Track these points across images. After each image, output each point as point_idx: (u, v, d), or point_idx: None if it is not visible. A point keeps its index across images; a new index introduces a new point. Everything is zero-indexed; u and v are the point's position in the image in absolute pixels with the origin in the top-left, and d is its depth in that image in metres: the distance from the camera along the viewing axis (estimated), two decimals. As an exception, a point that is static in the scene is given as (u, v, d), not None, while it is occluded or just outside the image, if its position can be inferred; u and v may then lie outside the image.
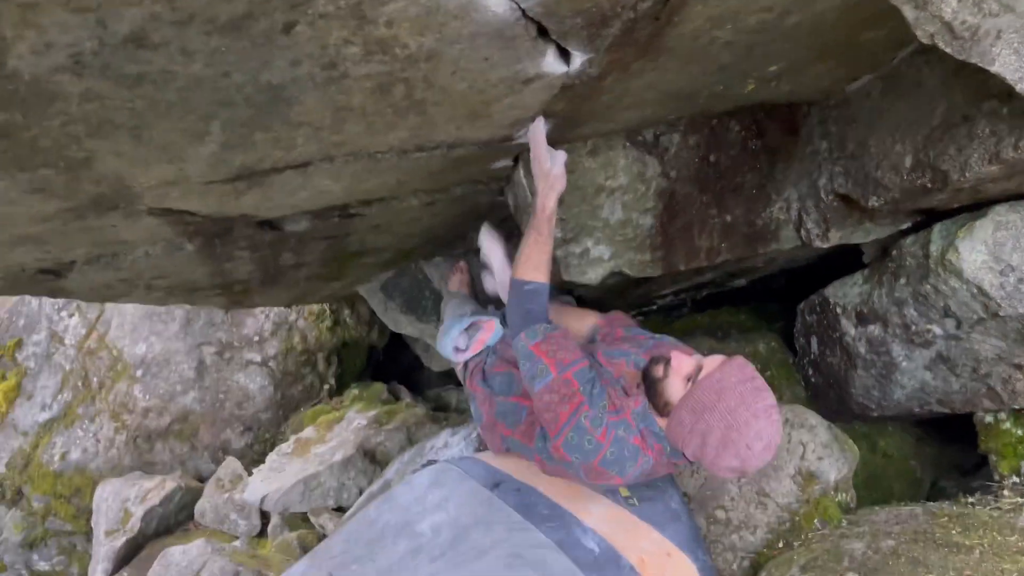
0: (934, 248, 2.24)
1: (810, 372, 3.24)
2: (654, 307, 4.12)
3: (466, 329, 2.48)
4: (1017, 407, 2.43)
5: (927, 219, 2.39)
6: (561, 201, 2.21)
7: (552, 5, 1.26)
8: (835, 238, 2.40)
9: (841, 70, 2.02)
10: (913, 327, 2.49)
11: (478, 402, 2.39)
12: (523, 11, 1.26)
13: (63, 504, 4.54)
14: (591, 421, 1.71)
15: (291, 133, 1.59)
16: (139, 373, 4.55)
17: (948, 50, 1.40)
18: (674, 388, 1.71)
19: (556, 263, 2.31)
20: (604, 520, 2.19)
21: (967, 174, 1.76)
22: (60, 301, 4.75)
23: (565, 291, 2.72)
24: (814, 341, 3.12)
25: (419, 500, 2.31)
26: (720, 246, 2.35)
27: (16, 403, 4.60)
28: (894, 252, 2.47)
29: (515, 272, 1.91)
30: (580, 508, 2.20)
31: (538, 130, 1.85)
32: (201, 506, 4.35)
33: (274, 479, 4.29)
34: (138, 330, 4.55)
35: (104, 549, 4.13)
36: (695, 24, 1.45)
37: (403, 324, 4.48)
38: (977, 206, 2.16)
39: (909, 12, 1.37)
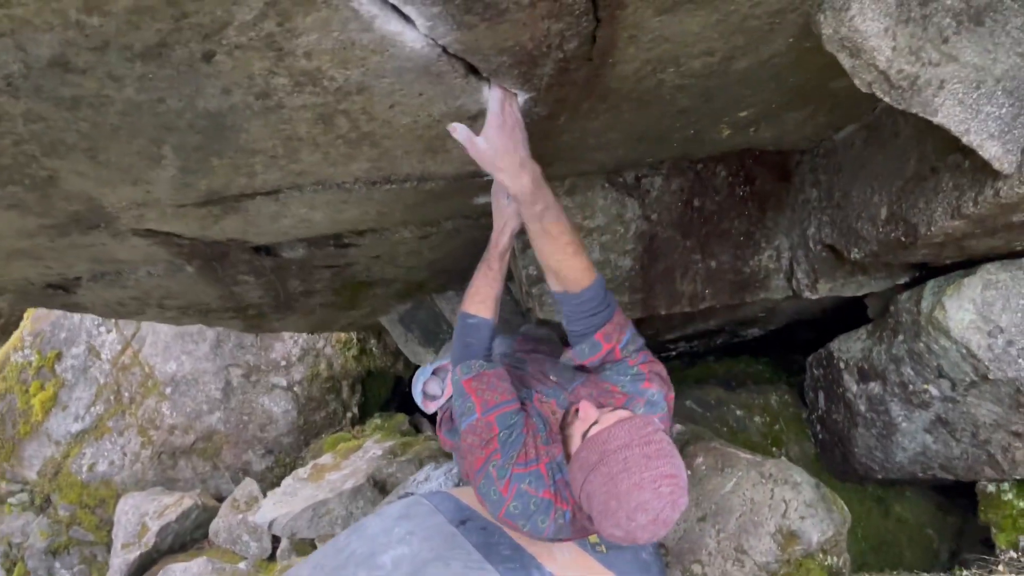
0: (925, 305, 2.16)
1: (818, 428, 3.13)
2: (672, 353, 4.05)
3: (434, 373, 2.48)
4: (1019, 477, 2.30)
5: (924, 275, 2.31)
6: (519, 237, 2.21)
7: (471, 43, 1.27)
8: (824, 289, 2.33)
9: (823, 118, 1.98)
10: (911, 386, 2.39)
11: (456, 454, 2.36)
12: (443, 48, 1.28)
13: (87, 514, 4.67)
14: (497, 471, 1.65)
15: (247, 160, 1.63)
16: (168, 391, 4.68)
17: (887, 100, 1.36)
18: (574, 440, 1.63)
19: (531, 300, 2.30)
20: (567, 566, 2.15)
21: (932, 228, 1.69)
22: (99, 317, 4.94)
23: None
24: (821, 396, 3.02)
25: (386, 531, 2.31)
26: (704, 292, 2.31)
27: (51, 413, 4.79)
28: (891, 307, 2.38)
29: (462, 304, 1.89)
30: (543, 551, 2.16)
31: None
32: (216, 526, 4.41)
33: (286, 503, 4.33)
34: (170, 349, 4.70)
35: (118, 561, 4.23)
36: (634, 66, 1.45)
37: (422, 356, 4.51)
38: (972, 263, 2.08)
39: (845, 60, 1.34)
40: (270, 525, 4.15)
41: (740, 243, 2.31)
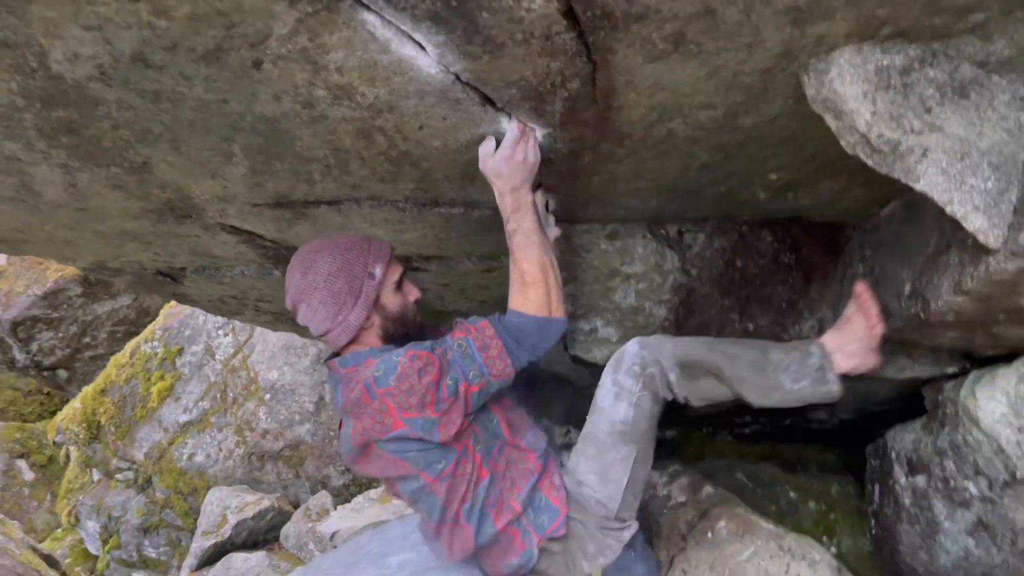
0: (963, 394, 2.09)
1: (872, 523, 2.99)
2: (746, 432, 3.98)
3: None
4: (1060, 596, 2.14)
5: (974, 366, 2.23)
6: (573, 278, 2.34)
7: (480, 73, 1.45)
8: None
9: (859, 191, 2.01)
10: (952, 482, 2.29)
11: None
12: (456, 76, 1.46)
13: (180, 500, 5.06)
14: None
15: (305, 167, 1.87)
16: (267, 397, 5.04)
17: (870, 163, 1.42)
18: None
19: (565, 336, 2.41)
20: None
21: (939, 303, 1.69)
22: (220, 320, 5.41)
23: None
24: (876, 488, 2.90)
25: (403, 536, 2.44)
26: (739, 353, 2.33)
27: (166, 402, 5.26)
28: (939, 397, 2.31)
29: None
30: (543, 579, 2.21)
31: (537, 199, 2.02)
32: (287, 530, 4.67)
33: (351, 518, 4.53)
34: (275, 358, 5.07)
35: (196, 546, 4.55)
36: (639, 112, 1.57)
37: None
38: (1016, 355, 2.01)
39: (831, 121, 1.41)
40: (332, 536, 4.36)
41: (782, 310, 2.33)
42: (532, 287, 1.76)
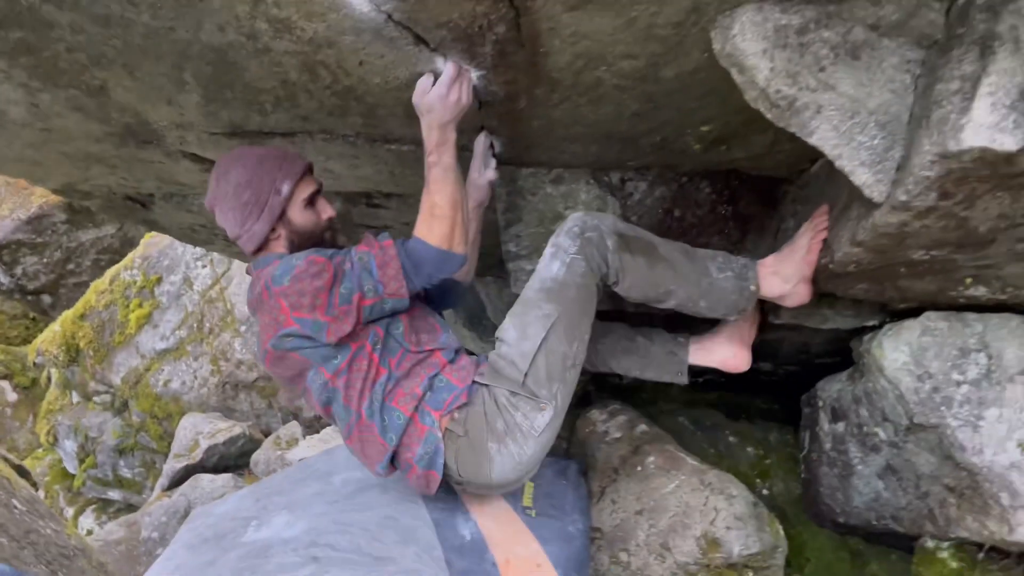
0: (874, 344, 2.22)
1: (802, 467, 3.15)
2: (699, 380, 4.12)
3: None
4: (954, 536, 2.30)
5: (892, 319, 2.36)
6: (519, 219, 2.44)
7: (410, 13, 1.53)
8: (785, 316, 2.42)
9: (789, 145, 2.09)
10: (865, 428, 2.44)
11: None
12: (388, 15, 1.54)
13: (155, 424, 5.22)
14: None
15: (256, 97, 1.95)
16: (243, 329, 5.16)
17: (770, 116, 1.51)
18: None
19: (507, 276, 2.52)
20: (491, 517, 2.34)
21: (839, 254, 1.80)
22: (199, 251, 5.51)
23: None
24: (807, 435, 3.05)
25: (348, 459, 2.58)
26: (672, 298, 2.44)
27: (143, 329, 5.38)
28: (860, 348, 2.43)
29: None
30: (474, 501, 2.36)
31: (479, 141, 2.12)
32: (256, 456, 4.84)
33: (318, 448, 4.71)
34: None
35: (168, 467, 4.72)
36: (565, 58, 1.66)
37: (466, 340, 4.78)
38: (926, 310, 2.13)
39: (736, 76, 1.51)
40: (298, 462, 4.54)
41: (716, 259, 2.43)
42: (439, 220, 1.85)
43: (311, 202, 2.04)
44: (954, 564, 2.34)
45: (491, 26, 1.55)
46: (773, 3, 1.41)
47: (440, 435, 1.98)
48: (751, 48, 1.44)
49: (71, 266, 7.35)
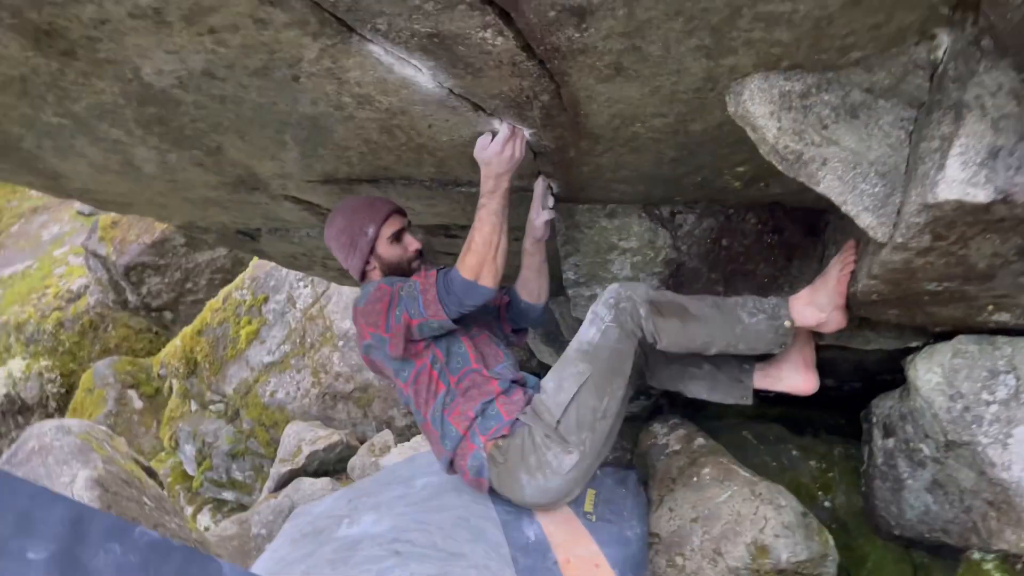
0: (911, 365, 2.35)
1: (862, 481, 3.26)
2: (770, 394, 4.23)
3: None
4: (996, 549, 2.39)
5: (936, 341, 2.47)
6: (577, 250, 2.68)
7: (468, 88, 1.81)
8: (829, 339, 2.57)
9: (823, 182, 2.27)
10: (911, 443, 2.56)
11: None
12: (449, 89, 1.82)
13: (263, 431, 5.69)
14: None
15: (344, 153, 2.27)
16: (341, 344, 5.58)
17: (781, 168, 1.71)
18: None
19: (568, 302, 2.76)
20: (554, 521, 2.58)
21: (860, 285, 1.96)
22: (300, 273, 5.96)
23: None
24: (866, 450, 3.16)
25: (429, 464, 2.87)
26: (722, 321, 2.63)
27: (252, 344, 5.89)
28: (905, 368, 2.56)
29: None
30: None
31: (538, 184, 2.38)
32: (353, 462, 5.22)
33: (407, 454, 5.05)
34: (348, 309, 5.59)
35: (274, 471, 5.15)
36: (603, 118, 1.90)
37: (544, 354, 5.03)
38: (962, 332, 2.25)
39: (750, 132, 1.71)
40: (385, 468, 4.89)
41: (764, 284, 2.61)
42: (472, 254, 2.13)
43: (397, 238, 2.46)
44: (996, 575, 2.43)
45: (536, 95, 1.81)
46: (777, 72, 1.62)
47: (485, 456, 2.29)
48: (760, 111, 1.64)
49: (189, 285, 8.02)
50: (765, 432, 3.60)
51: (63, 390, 9.06)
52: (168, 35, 1.68)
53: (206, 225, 3.35)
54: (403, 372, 2.36)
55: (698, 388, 2.66)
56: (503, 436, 2.29)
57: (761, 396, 4.29)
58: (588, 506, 2.68)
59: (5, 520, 0.93)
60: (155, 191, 2.76)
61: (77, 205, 11.11)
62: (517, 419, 2.29)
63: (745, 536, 2.61)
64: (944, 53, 1.46)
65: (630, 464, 3.20)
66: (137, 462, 4.55)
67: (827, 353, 3.17)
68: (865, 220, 1.67)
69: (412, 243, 2.48)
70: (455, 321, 2.25)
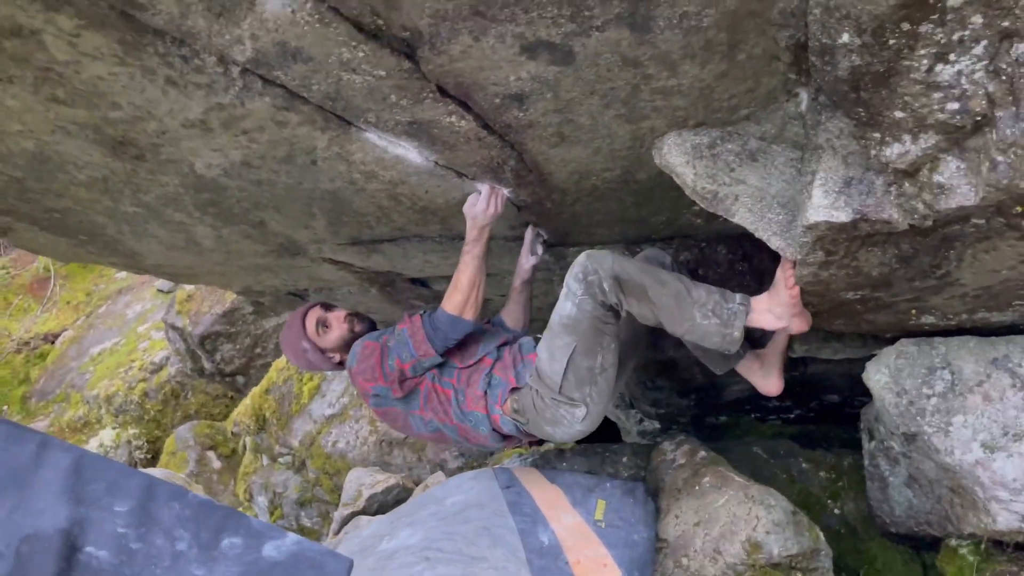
0: (863, 369, 2.64)
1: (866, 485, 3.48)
2: (791, 416, 4.48)
3: None
4: (967, 533, 2.61)
5: (895, 348, 2.75)
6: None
7: (449, 160, 2.24)
8: (800, 351, 2.87)
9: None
10: (885, 442, 2.83)
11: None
12: (435, 162, 2.26)
13: (327, 479, 6.13)
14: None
15: (364, 218, 2.72)
16: (394, 394, 6.04)
17: (703, 205, 2.08)
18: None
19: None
20: (566, 527, 2.92)
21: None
22: (355, 331, 6.48)
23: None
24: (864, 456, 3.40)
25: (458, 486, 3.24)
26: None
27: (314, 398, 6.38)
28: (874, 374, 2.83)
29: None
30: (553, 514, 2.95)
31: (528, 233, 2.79)
32: (409, 503, 5.60)
33: (459, 493, 5.42)
34: (399, 361, 6.07)
35: (337, 514, 5.57)
36: (563, 175, 2.30)
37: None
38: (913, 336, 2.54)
39: (676, 178, 2.09)
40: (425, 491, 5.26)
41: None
42: (458, 292, 2.51)
43: (325, 326, 2.82)
44: (971, 559, 2.66)
45: (505, 161, 2.23)
46: (687, 129, 2.00)
47: (510, 419, 2.65)
48: (677, 160, 2.03)
49: (258, 350, 8.62)
50: (775, 447, 3.87)
51: (149, 456, 9.72)
52: (212, 138, 2.16)
53: (261, 289, 3.85)
54: (414, 402, 2.71)
55: (692, 344, 2.81)
56: (513, 391, 2.61)
57: (781, 418, 4.56)
58: (598, 514, 3.01)
59: (100, 485, 1.36)
60: (215, 262, 3.27)
61: (157, 283, 11.98)
62: (526, 383, 2.59)
63: (740, 535, 2.88)
64: (805, 107, 1.82)
65: (644, 479, 3.50)
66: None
67: (816, 367, 3.48)
68: (776, 243, 2.02)
69: (337, 318, 2.83)
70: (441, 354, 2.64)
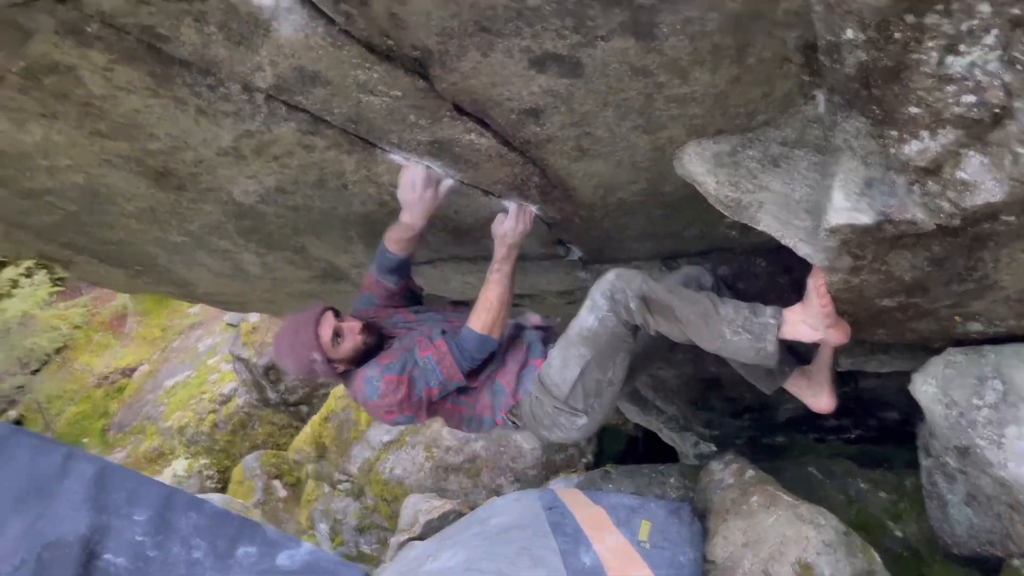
0: (910, 382, 2.54)
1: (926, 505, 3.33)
2: (851, 437, 4.33)
3: None
4: (1029, 553, 2.48)
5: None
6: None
7: (472, 178, 2.27)
8: (846, 364, 2.79)
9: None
10: (941, 458, 2.71)
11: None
12: (460, 180, 2.29)
13: (385, 505, 6.18)
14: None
15: (399, 241, 2.77)
16: (449, 419, 6.07)
17: (727, 214, 2.06)
18: None
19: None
20: (609, 548, 2.87)
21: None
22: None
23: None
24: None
25: (503, 507, 3.23)
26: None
27: (372, 426, 6.45)
28: (926, 387, 2.72)
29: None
30: (596, 535, 2.92)
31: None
32: (465, 529, 5.59)
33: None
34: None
35: (394, 541, 5.60)
36: (588, 190, 2.31)
37: (633, 414, 5.31)
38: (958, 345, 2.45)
39: (698, 188, 2.07)
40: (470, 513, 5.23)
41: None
42: (487, 312, 2.49)
43: (338, 335, 2.50)
44: (1035, 580, 2.51)
45: (528, 177, 2.25)
46: (707, 137, 1.99)
47: (509, 422, 2.66)
48: (698, 170, 2.01)
49: (320, 379, 8.78)
50: (831, 467, 3.74)
51: (219, 484, 9.96)
52: (246, 164, 2.25)
53: (310, 316, 3.94)
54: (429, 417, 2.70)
55: (734, 363, 2.77)
56: (512, 407, 2.61)
57: (841, 438, 4.41)
58: (643, 535, 2.96)
59: (121, 494, 1.41)
60: (262, 289, 3.36)
61: (226, 317, 12.36)
62: (525, 389, 2.58)
63: (790, 556, 2.79)
64: (822, 108, 1.79)
65: (691, 501, 3.43)
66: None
67: (868, 382, 3.36)
68: (803, 250, 1.97)
69: (351, 330, 2.53)
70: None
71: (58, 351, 14.12)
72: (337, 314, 2.56)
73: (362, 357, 2.54)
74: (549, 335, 2.78)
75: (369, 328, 2.56)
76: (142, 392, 12.76)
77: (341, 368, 2.56)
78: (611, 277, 2.37)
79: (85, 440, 12.44)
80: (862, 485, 3.64)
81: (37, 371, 13.79)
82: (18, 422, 13.28)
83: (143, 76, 1.81)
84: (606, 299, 2.36)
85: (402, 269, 2.64)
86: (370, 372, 2.50)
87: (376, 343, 2.58)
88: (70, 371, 13.96)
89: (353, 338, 2.51)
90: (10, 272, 12.38)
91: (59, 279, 13.33)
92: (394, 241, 2.49)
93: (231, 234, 2.76)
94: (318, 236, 2.76)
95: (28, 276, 12.40)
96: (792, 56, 1.68)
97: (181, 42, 1.68)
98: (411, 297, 2.80)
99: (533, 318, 2.79)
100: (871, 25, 1.38)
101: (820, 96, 1.79)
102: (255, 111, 1.93)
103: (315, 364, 2.50)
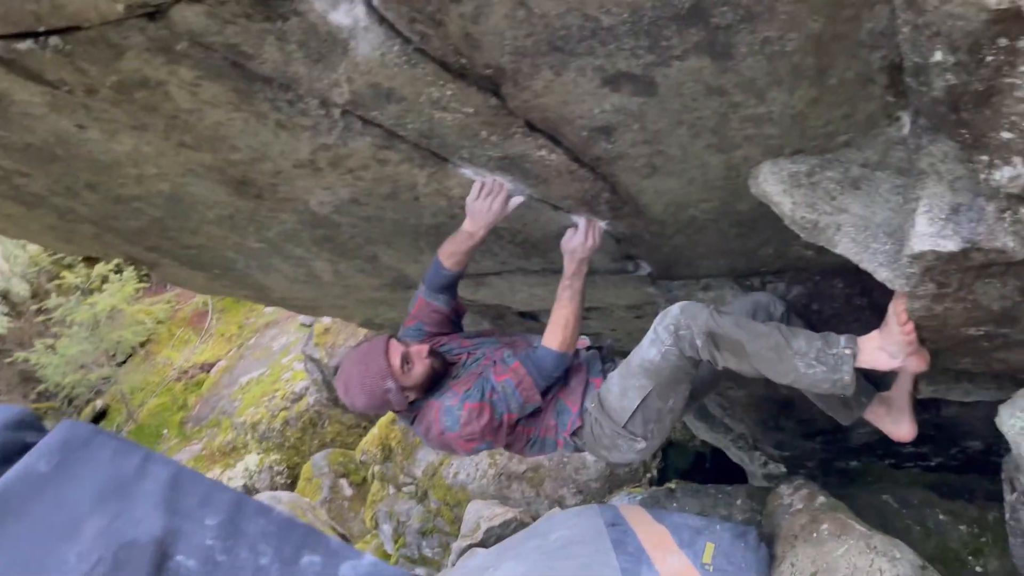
0: (996, 415, 2.42)
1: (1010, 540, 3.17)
2: (932, 464, 4.16)
3: None
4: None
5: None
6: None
7: (542, 193, 2.27)
8: (927, 392, 2.68)
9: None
10: (1026, 495, 2.57)
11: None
12: (530, 195, 2.29)
13: (447, 510, 6.23)
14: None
15: (467, 252, 2.78)
16: (514, 427, 6.07)
17: (802, 235, 2.00)
18: None
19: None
20: (672, 569, 2.83)
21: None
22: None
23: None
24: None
25: (563, 521, 3.21)
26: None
27: (437, 430, 6.54)
28: (1013, 419, 2.59)
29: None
30: (659, 555, 2.87)
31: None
32: (527, 538, 5.59)
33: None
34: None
35: (456, 546, 5.64)
36: (659, 207, 2.28)
37: (700, 430, 5.22)
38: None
39: (773, 208, 2.02)
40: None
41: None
42: (563, 329, 2.46)
43: (407, 361, 2.42)
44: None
45: (598, 193, 2.23)
46: (784, 157, 1.94)
47: (571, 442, 2.62)
48: (774, 189, 1.96)
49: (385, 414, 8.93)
50: (908, 497, 3.60)
51: (288, 481, 10.20)
52: (322, 176, 2.29)
53: (380, 322, 4.01)
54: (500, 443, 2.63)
55: (810, 394, 2.71)
56: (576, 430, 2.57)
57: (919, 465, 4.24)
58: (706, 558, 2.90)
59: (194, 498, 1.45)
60: (334, 295, 3.43)
61: (301, 318, 12.66)
62: (586, 408, 2.55)
63: (862, 588, 2.70)
64: (907, 131, 1.73)
65: (759, 524, 3.35)
66: (333, 529, 5.22)
67: (950, 410, 3.23)
68: (882, 275, 1.91)
69: (419, 353, 2.46)
70: None
71: (142, 345, 14.70)
72: (400, 340, 2.53)
73: (431, 383, 2.49)
74: (606, 351, 2.76)
75: (434, 352, 2.51)
76: (219, 387, 13.16)
77: (412, 396, 2.47)
78: (675, 312, 2.33)
79: (165, 431, 12.91)
80: (941, 517, 3.50)
81: (123, 363, 14.38)
82: (103, 411, 13.91)
83: (227, 91, 1.86)
84: (670, 334, 2.32)
85: (452, 288, 2.62)
86: (448, 402, 2.45)
87: (442, 368, 2.53)
88: (153, 364, 14.52)
89: (422, 362, 2.44)
90: (100, 268, 12.93)
91: (145, 275, 13.86)
92: (449, 255, 2.48)
93: (306, 242, 2.82)
94: (389, 245, 2.80)
95: (117, 272, 12.93)
96: (876, 77, 1.62)
97: (263, 60, 1.72)
98: (457, 323, 2.77)
99: (581, 340, 2.75)
100: (961, 48, 1.32)
101: (905, 118, 1.73)
102: (332, 126, 1.97)
103: (389, 394, 2.41)
